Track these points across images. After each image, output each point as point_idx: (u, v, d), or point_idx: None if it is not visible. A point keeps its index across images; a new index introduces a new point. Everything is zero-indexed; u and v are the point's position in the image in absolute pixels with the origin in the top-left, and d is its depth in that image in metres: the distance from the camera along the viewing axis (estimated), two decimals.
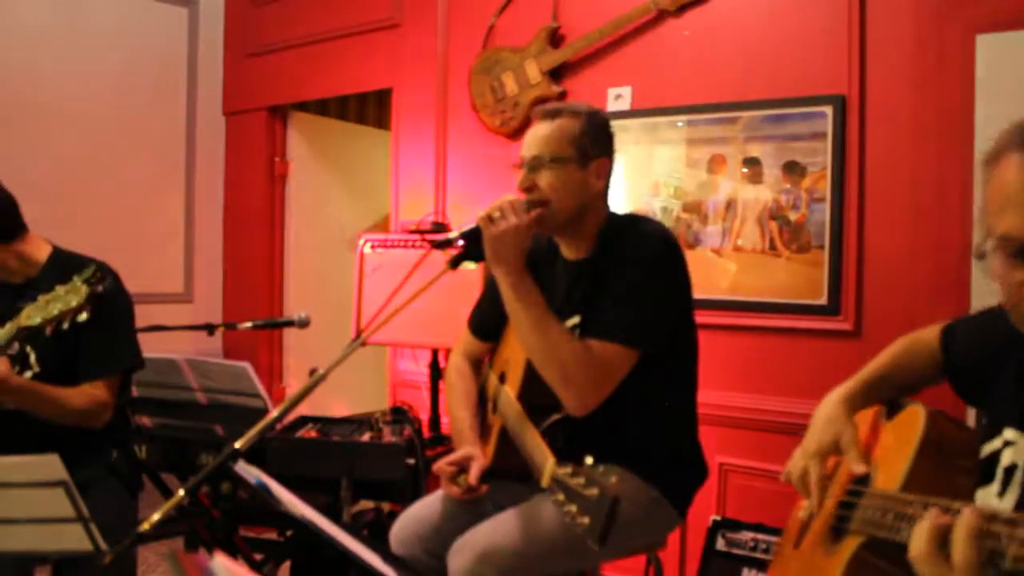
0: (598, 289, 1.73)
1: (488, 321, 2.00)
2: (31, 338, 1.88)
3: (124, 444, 2.17)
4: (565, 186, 1.72)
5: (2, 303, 2.03)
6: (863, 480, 1.23)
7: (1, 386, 1.82)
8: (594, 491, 1.10)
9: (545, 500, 1.67)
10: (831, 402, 1.32)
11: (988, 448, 1.11)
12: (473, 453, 1.78)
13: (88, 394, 2.00)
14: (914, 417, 1.20)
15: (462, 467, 1.76)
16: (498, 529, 1.65)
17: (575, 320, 1.78)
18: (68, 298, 1.76)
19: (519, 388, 1.72)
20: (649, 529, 1.79)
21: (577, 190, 1.74)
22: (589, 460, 1.19)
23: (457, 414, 1.95)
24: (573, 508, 1.13)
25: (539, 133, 1.75)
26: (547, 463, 1.29)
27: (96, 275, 1.78)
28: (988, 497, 1.06)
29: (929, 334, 1.37)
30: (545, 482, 1.25)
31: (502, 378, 1.86)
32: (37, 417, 1.92)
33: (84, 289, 1.75)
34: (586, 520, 1.10)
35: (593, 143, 1.76)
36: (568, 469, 1.18)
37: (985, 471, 1.09)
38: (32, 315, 1.77)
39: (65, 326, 1.77)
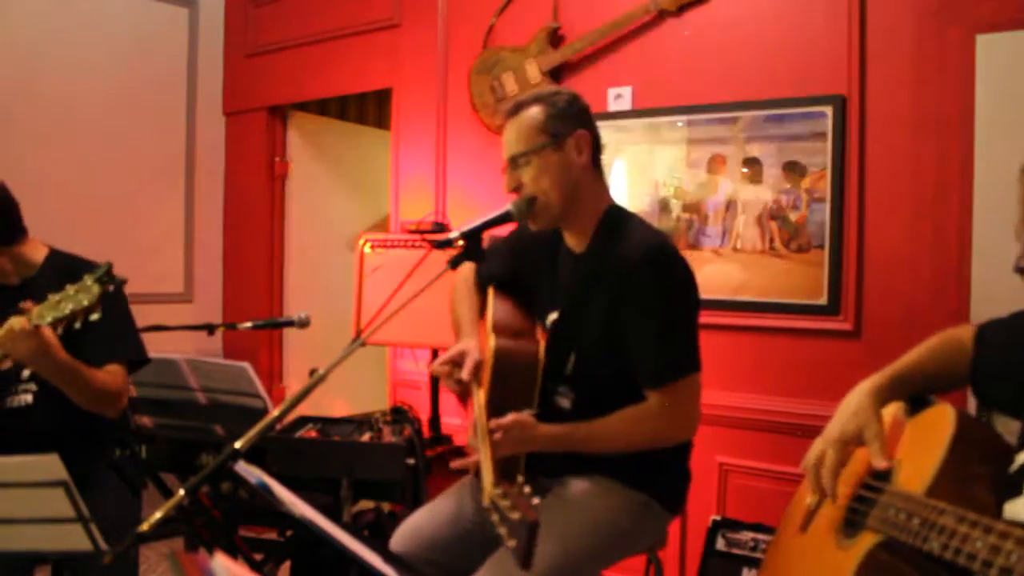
0: (589, 289, 1.72)
1: (486, 279, 2.00)
2: None
3: (126, 443, 2.18)
4: (547, 174, 1.70)
5: (9, 307, 2.04)
6: (882, 475, 1.21)
7: (47, 355, 1.82)
8: (516, 515, 1.11)
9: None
10: (860, 392, 1.30)
11: (1021, 458, 1.08)
12: (466, 348, 1.76)
13: (111, 373, 2.01)
14: (942, 417, 1.17)
15: (457, 363, 1.75)
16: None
17: (556, 314, 1.78)
18: (79, 297, 1.75)
19: (488, 390, 1.70)
20: (643, 535, 1.79)
21: (561, 173, 1.71)
22: (520, 479, 1.20)
23: (458, 311, 1.95)
24: (504, 530, 1.14)
25: (509, 132, 1.74)
26: (486, 482, 1.29)
27: (108, 275, 1.77)
28: (1018, 510, 1.04)
29: (965, 332, 1.33)
30: (485, 501, 1.25)
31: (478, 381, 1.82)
32: (41, 416, 1.91)
33: (96, 288, 1.75)
34: (512, 543, 1.11)
35: (562, 121, 1.72)
36: (500, 490, 1.18)
37: (1016, 483, 1.06)
38: (43, 314, 1.77)
39: (77, 325, 1.77)
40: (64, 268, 2.09)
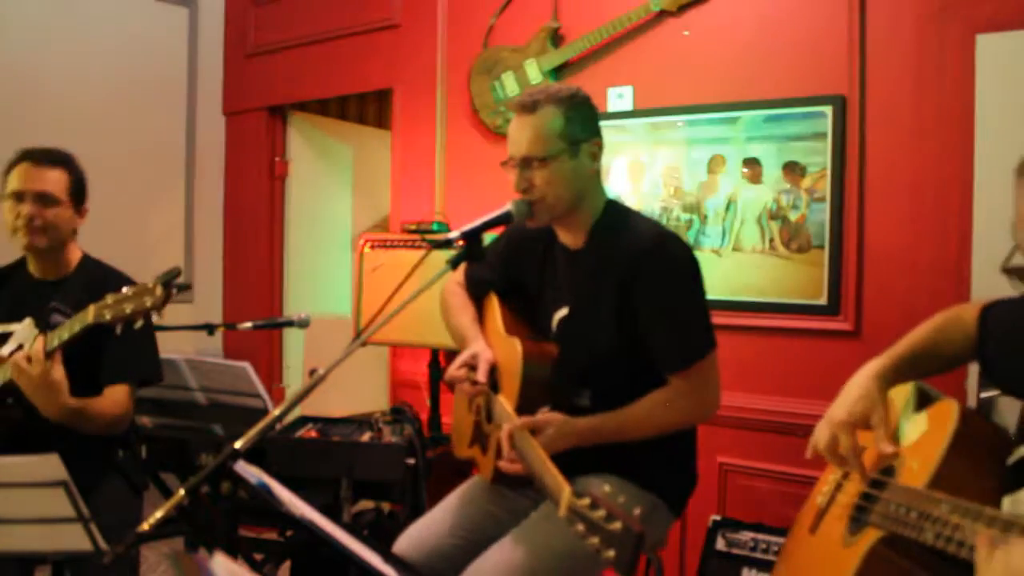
0: (591, 283, 1.72)
1: (480, 285, 2.00)
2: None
3: (129, 444, 2.19)
4: (560, 180, 1.70)
5: (36, 300, 2.07)
6: (887, 471, 1.21)
7: (58, 400, 1.83)
8: (617, 525, 1.09)
9: (543, 521, 1.65)
10: (865, 375, 1.29)
11: (1020, 452, 1.09)
12: (478, 350, 1.77)
13: (115, 401, 2.02)
14: (946, 413, 1.17)
15: (472, 367, 1.75)
16: (503, 561, 1.61)
17: (564, 311, 1.77)
18: (143, 299, 1.74)
19: (517, 400, 1.69)
20: (649, 536, 1.78)
21: (573, 179, 1.72)
22: (607, 488, 1.18)
23: (454, 322, 1.95)
24: (596, 540, 1.11)
25: (523, 129, 1.71)
26: (563, 493, 1.25)
27: (174, 280, 1.76)
28: (1017, 502, 1.04)
29: (968, 311, 1.32)
30: (562, 512, 1.22)
31: (494, 386, 1.81)
32: (42, 420, 1.91)
33: (160, 291, 1.74)
34: (612, 553, 1.09)
35: (580, 127, 1.72)
36: (587, 501, 1.15)
37: (1017, 476, 1.07)
38: (103, 313, 1.76)
39: (138, 324, 1.76)
40: (96, 275, 2.14)
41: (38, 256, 2.11)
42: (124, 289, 1.77)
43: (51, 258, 2.11)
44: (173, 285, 1.75)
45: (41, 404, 1.84)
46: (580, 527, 1.15)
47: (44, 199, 2.03)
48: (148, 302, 1.74)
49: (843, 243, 2.54)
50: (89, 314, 1.78)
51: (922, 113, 2.42)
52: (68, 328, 1.82)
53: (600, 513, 1.12)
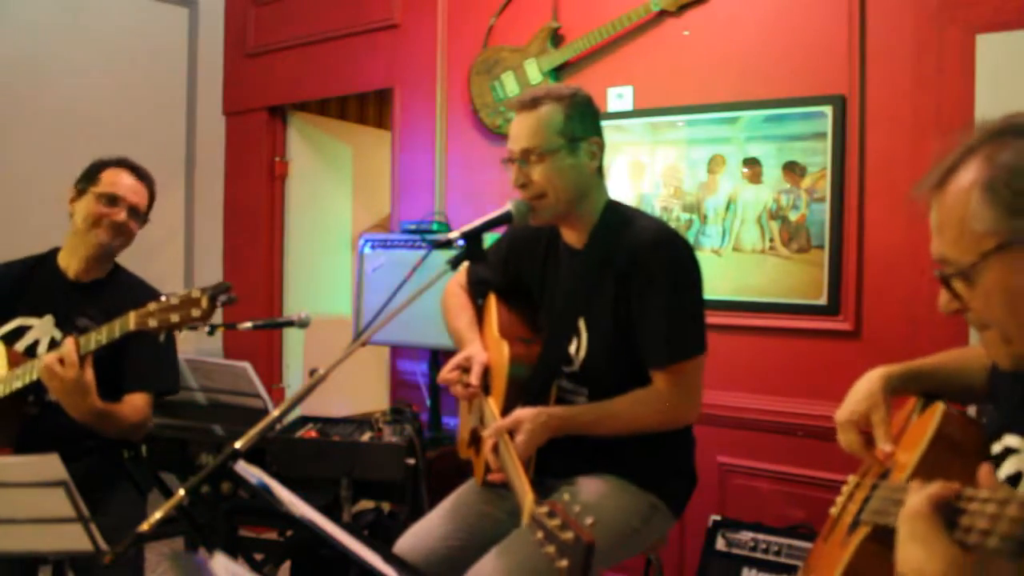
0: (596, 281, 1.72)
1: (481, 286, 2.00)
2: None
3: (134, 445, 2.19)
4: (559, 175, 1.70)
5: (64, 300, 2.08)
6: (885, 475, 1.25)
7: (87, 403, 1.83)
8: (569, 535, 1.10)
9: (524, 534, 1.64)
10: (871, 377, 1.32)
11: (994, 450, 1.11)
12: (472, 353, 1.77)
13: (135, 408, 2.03)
14: (931, 414, 1.20)
15: (465, 369, 1.76)
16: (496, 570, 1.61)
17: (564, 311, 1.77)
18: (189, 310, 1.73)
19: (503, 402, 1.70)
20: (649, 536, 1.79)
21: (572, 176, 1.72)
22: (567, 497, 1.19)
23: (454, 323, 1.95)
24: (551, 549, 1.12)
25: (523, 125, 1.72)
26: (526, 500, 1.26)
27: (224, 293, 1.74)
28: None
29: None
30: (524, 519, 1.23)
31: (486, 389, 1.80)
32: (56, 417, 1.92)
33: (206, 302, 1.72)
34: (564, 563, 1.10)
35: (580, 125, 1.73)
36: (546, 509, 1.16)
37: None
38: (146, 320, 1.75)
39: (182, 332, 1.77)
40: (126, 285, 2.17)
41: (95, 253, 2.12)
42: (164, 297, 1.76)
43: (98, 259, 2.13)
44: (220, 299, 1.73)
45: (70, 405, 1.84)
46: (540, 535, 1.16)
47: (136, 212, 2.13)
48: (195, 313, 1.72)
49: (843, 243, 2.54)
50: (130, 321, 1.77)
51: (922, 113, 2.42)
52: (107, 333, 1.81)
53: (556, 522, 1.13)
